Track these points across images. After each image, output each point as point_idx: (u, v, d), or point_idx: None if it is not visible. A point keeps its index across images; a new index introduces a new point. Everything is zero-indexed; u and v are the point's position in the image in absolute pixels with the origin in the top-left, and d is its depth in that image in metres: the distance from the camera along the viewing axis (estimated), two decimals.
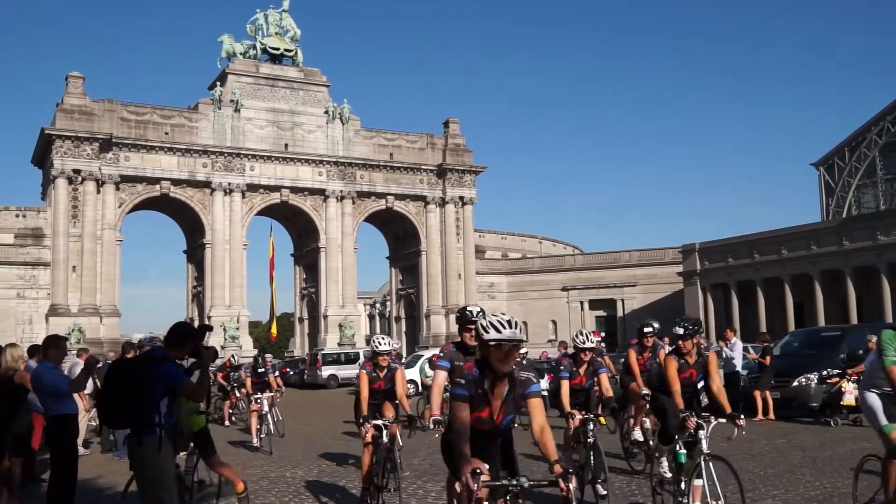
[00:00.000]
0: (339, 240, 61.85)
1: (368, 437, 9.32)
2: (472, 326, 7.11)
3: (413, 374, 28.90)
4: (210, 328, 9.68)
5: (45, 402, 9.23)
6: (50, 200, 54.35)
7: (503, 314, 4.97)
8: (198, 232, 60.04)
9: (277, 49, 62.74)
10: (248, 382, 18.05)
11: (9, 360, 9.35)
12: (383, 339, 9.98)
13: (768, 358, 19.04)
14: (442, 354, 7.96)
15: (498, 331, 4.83)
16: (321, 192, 61.42)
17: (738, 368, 19.82)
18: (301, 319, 68.64)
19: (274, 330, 64.21)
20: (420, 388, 27.63)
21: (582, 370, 10.01)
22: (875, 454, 8.47)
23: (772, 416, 18.48)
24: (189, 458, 9.35)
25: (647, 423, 12.00)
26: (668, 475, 8.49)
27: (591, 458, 9.20)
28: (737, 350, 20.00)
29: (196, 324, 39.11)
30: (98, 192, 53.70)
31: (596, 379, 10.09)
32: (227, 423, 22.40)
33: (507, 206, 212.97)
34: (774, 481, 10.73)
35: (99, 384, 13.44)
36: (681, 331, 8.18)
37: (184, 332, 6.61)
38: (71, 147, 52.50)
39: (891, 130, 67.09)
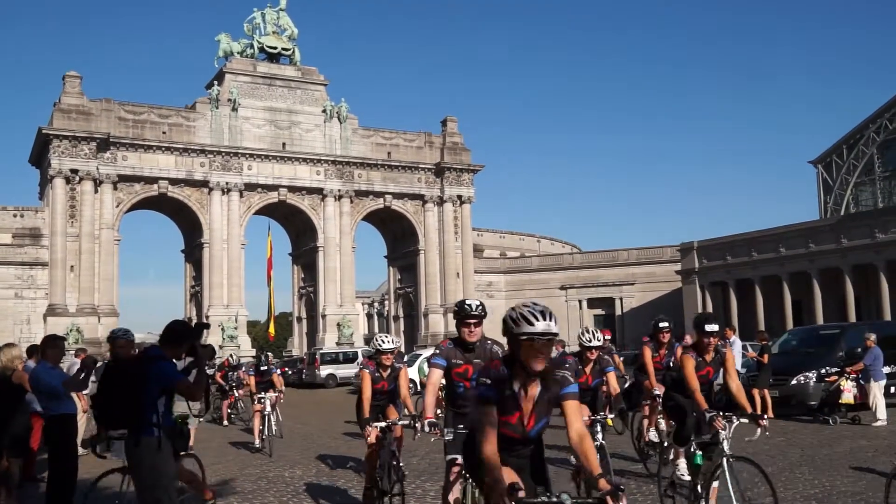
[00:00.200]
0: (337, 239, 61.81)
1: (373, 439, 9.08)
2: (472, 321, 6.95)
3: (412, 373, 28.89)
4: (207, 326, 9.59)
5: (44, 402, 9.21)
6: (47, 200, 54.27)
7: (535, 303, 4.33)
8: (196, 231, 59.97)
9: (275, 48, 62.65)
10: (252, 381, 17.58)
11: (6, 361, 9.33)
12: (386, 337, 9.65)
13: (767, 356, 19.04)
14: (438, 351, 7.36)
15: (530, 323, 4.21)
16: (319, 192, 61.37)
17: (738, 367, 19.81)
18: (299, 319, 68.59)
19: (272, 329, 64.15)
20: (419, 388, 27.63)
21: (588, 369, 9.61)
22: None
23: (770, 414, 18.49)
24: None
25: (663, 424, 11.55)
26: (686, 478, 8.17)
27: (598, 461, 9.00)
28: (736, 348, 19.99)
29: (194, 323, 38.95)
30: (96, 191, 53.62)
31: (604, 378, 9.72)
32: (225, 422, 22.39)
33: (505, 205, 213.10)
34: (773, 480, 10.71)
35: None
36: (716, 328, 7.93)
37: (180, 331, 6.57)
38: (68, 147, 52.42)
39: (889, 128, 67.09)
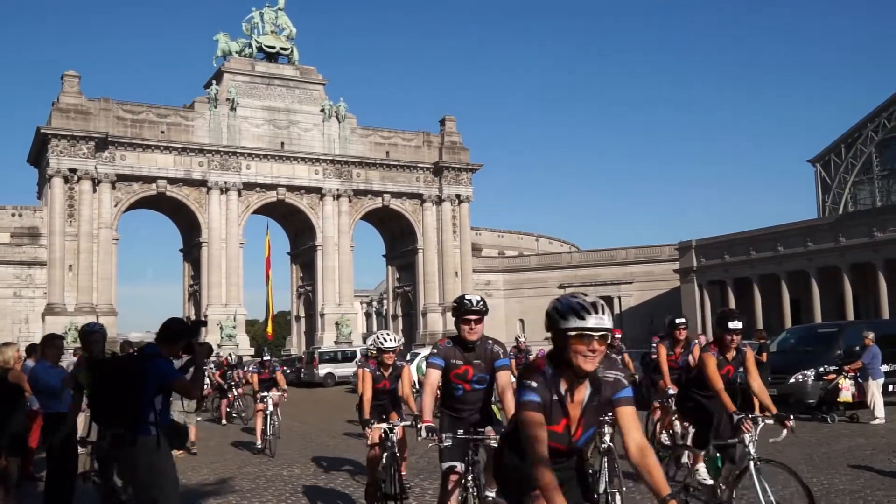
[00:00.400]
0: (335, 238, 61.79)
1: (376, 438, 8.89)
2: (472, 317, 6.44)
3: (412, 371, 28.83)
4: (204, 324, 9.60)
5: (43, 401, 9.21)
6: (46, 199, 54.22)
7: (585, 294, 3.81)
8: (194, 231, 59.94)
9: (273, 47, 62.61)
10: (255, 379, 16.84)
11: (3, 360, 9.33)
12: (388, 335, 9.26)
13: (765, 355, 19.03)
14: (436, 351, 6.76)
15: (580, 316, 3.65)
16: (318, 191, 61.35)
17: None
18: (298, 318, 68.58)
19: (269, 329, 64.17)
20: (417, 386, 27.53)
21: None
22: None
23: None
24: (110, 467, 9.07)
25: (677, 426, 11.06)
26: (709, 482, 7.92)
27: (605, 464, 8.47)
28: None
29: (191, 321, 38.97)
30: (94, 191, 53.57)
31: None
32: (224, 421, 22.37)
33: (503, 204, 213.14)
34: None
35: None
36: (740, 325, 7.58)
37: (176, 329, 6.54)
38: (67, 146, 52.38)
39: (887, 127, 67.14)
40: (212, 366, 25.14)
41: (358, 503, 9.98)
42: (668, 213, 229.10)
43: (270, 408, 15.57)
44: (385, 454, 8.55)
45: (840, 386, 17.51)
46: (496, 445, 4.36)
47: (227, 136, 58.22)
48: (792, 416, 7.25)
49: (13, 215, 54.42)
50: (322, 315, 61.42)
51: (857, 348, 18.04)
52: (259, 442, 15.48)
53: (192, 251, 62.11)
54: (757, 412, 9.16)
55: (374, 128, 65.35)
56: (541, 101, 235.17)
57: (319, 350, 47.58)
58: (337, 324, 60.31)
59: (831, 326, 24.58)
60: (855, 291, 49.94)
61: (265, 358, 17.46)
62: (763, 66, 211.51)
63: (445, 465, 6.49)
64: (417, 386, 18.71)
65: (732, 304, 55.59)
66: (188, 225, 61.50)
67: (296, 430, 19.92)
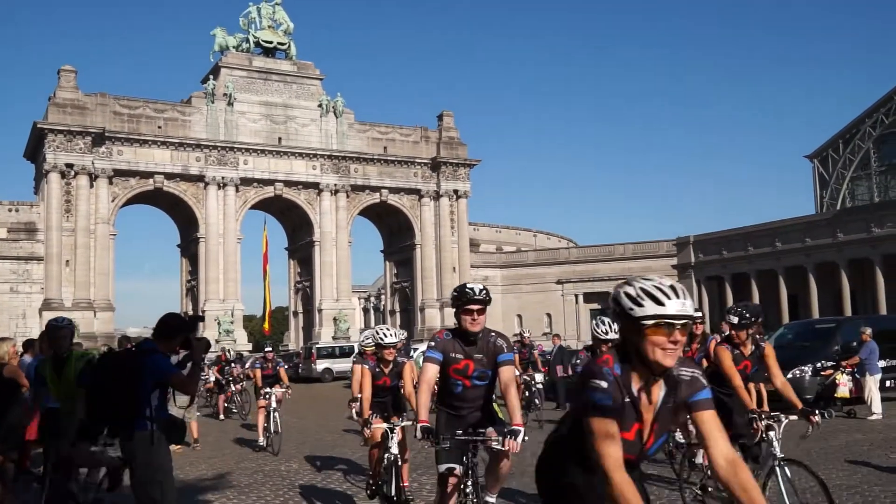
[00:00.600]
0: (333, 233, 61.78)
1: (377, 437, 8.59)
2: (475, 308, 5.90)
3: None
4: (202, 319, 9.55)
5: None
6: (43, 195, 54.16)
7: (659, 278, 3.26)
8: (192, 226, 59.91)
9: (270, 42, 62.53)
10: (258, 375, 16.01)
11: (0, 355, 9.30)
12: (388, 330, 8.80)
13: None
14: (434, 344, 6.15)
15: (658, 302, 3.10)
16: (315, 186, 61.32)
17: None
18: (295, 313, 68.59)
19: (267, 325, 64.19)
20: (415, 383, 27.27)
21: None
22: None
23: (766, 408, 18.49)
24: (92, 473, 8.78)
25: (690, 424, 10.70)
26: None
27: None
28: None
29: (188, 316, 39.01)
30: (91, 186, 53.51)
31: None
32: (221, 416, 22.36)
33: (501, 200, 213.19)
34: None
35: None
36: (735, 319, 7.25)
37: (173, 325, 6.51)
38: (63, 141, 52.30)
39: (885, 122, 67.16)
40: (208, 362, 25.09)
41: (355, 499, 9.97)
42: (666, 209, 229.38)
43: (273, 404, 14.99)
44: (386, 455, 8.19)
45: (837, 381, 17.51)
46: (540, 454, 3.68)
47: (224, 132, 58.15)
48: (817, 412, 7.05)
49: (10, 210, 54.36)
50: (320, 310, 61.44)
51: (855, 344, 18.05)
52: (261, 439, 15.07)
53: (189, 246, 62.09)
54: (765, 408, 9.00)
55: (372, 123, 65.31)
56: (539, 96, 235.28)
57: (317, 345, 47.58)
58: (335, 319, 60.32)
59: (829, 322, 24.60)
60: (852, 287, 50.02)
61: (267, 349, 16.83)
62: (761, 60, 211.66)
63: (443, 467, 6.05)
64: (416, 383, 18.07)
65: (730, 300, 55.67)
66: (185, 220, 61.46)
67: (294, 426, 19.89)
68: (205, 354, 7.29)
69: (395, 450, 8.01)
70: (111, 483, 8.06)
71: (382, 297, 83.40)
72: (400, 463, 8.09)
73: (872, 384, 17.17)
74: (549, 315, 68.54)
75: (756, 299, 54.03)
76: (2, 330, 43.82)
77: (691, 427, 10.30)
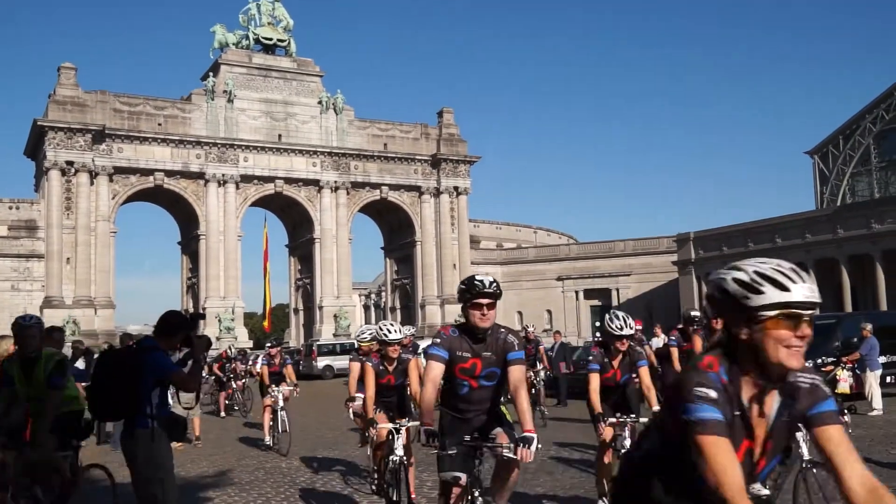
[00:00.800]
0: (333, 230, 61.79)
1: (382, 436, 8.17)
2: (485, 301, 5.38)
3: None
4: (203, 317, 9.49)
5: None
6: (43, 192, 54.17)
7: (776, 261, 2.62)
8: (192, 223, 59.93)
9: (270, 39, 62.50)
10: (265, 371, 15.35)
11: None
12: (392, 325, 8.37)
13: None
14: (439, 340, 5.61)
15: (782, 287, 2.51)
16: (315, 183, 61.32)
17: None
18: (296, 310, 68.62)
19: (266, 322, 64.26)
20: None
21: (616, 363, 7.88)
22: None
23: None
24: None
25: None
26: (765, 492, 7.54)
27: None
28: None
29: (189, 314, 39.11)
30: (91, 183, 53.52)
31: (632, 375, 8.02)
32: (222, 413, 22.39)
33: (501, 196, 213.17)
34: None
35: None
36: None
37: (174, 322, 6.51)
38: (64, 139, 52.30)
39: (885, 118, 67.05)
40: (210, 359, 25.10)
41: (357, 496, 9.97)
42: (667, 205, 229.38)
43: (280, 402, 14.41)
44: (391, 458, 7.79)
45: (838, 377, 17.48)
46: (619, 476, 3.16)
47: (224, 129, 58.15)
48: (846, 412, 6.51)
49: (10, 208, 54.39)
50: (320, 307, 61.48)
51: (855, 340, 18.06)
52: (267, 438, 14.68)
53: (190, 244, 62.12)
54: None
55: (372, 120, 65.30)
56: (539, 92, 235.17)
57: (318, 342, 47.65)
58: (335, 316, 60.36)
59: (829, 318, 24.57)
60: (853, 283, 50.00)
61: (270, 345, 16.33)
62: (761, 58, 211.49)
63: (448, 475, 5.51)
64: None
65: None
66: (186, 217, 61.47)
67: (295, 423, 19.83)
68: (206, 352, 7.26)
69: (400, 452, 7.66)
70: (62, 491, 7.77)
71: (383, 294, 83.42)
72: (406, 465, 7.71)
73: (873, 380, 17.18)
74: (549, 311, 68.56)
75: None
76: (3, 328, 43.77)
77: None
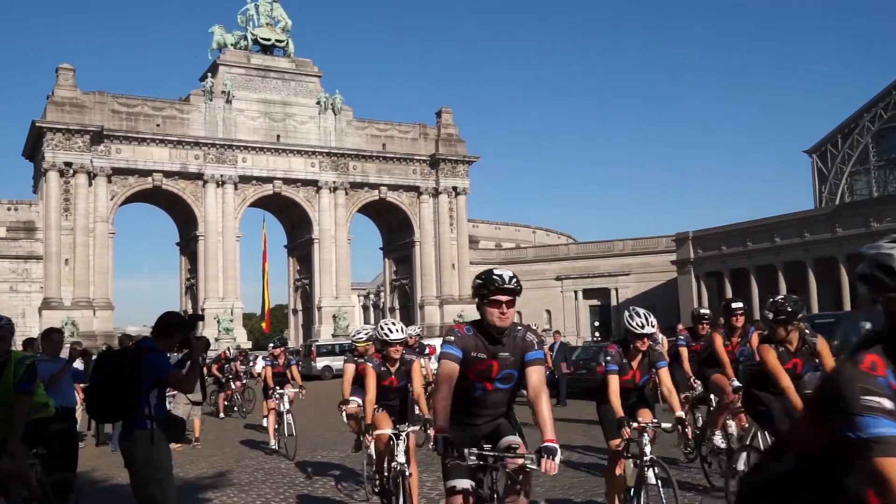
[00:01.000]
0: (332, 231, 61.77)
1: (381, 445, 7.78)
2: (504, 298, 4.79)
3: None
4: (201, 318, 9.44)
5: None
6: (41, 193, 54.14)
7: None
8: (190, 224, 59.90)
9: (268, 40, 62.49)
10: (268, 373, 14.80)
11: None
12: (394, 325, 7.86)
13: None
14: (452, 338, 4.94)
15: None
16: (314, 184, 61.30)
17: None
18: (295, 311, 68.60)
19: (264, 324, 64.26)
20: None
21: (635, 363, 7.25)
22: None
23: None
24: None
25: (732, 427, 9.57)
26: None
27: (647, 482, 6.54)
28: None
29: (188, 315, 39.01)
30: (90, 184, 53.50)
31: (652, 375, 7.43)
32: (221, 414, 22.37)
33: (500, 196, 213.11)
34: None
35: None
36: (770, 315, 6.45)
37: (172, 323, 6.49)
38: (62, 140, 52.27)
39: (883, 117, 67.06)
40: (209, 361, 25.09)
41: (355, 497, 9.95)
42: (665, 205, 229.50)
43: (286, 405, 13.90)
44: (392, 465, 7.38)
45: None
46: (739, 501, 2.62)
47: (222, 129, 58.13)
48: None
49: (9, 209, 54.34)
50: (319, 308, 61.47)
51: (855, 339, 18.05)
52: (272, 442, 14.30)
53: (188, 245, 62.10)
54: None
55: (371, 120, 65.29)
56: (537, 92, 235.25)
57: (317, 343, 47.66)
58: (334, 317, 60.36)
59: (828, 317, 24.57)
60: (852, 282, 49.96)
61: (273, 345, 15.70)
62: (759, 56, 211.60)
63: (456, 484, 4.85)
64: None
65: (729, 295, 55.65)
66: (184, 218, 61.45)
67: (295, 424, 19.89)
68: (204, 353, 7.22)
69: (401, 458, 7.25)
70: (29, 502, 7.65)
71: (382, 294, 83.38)
72: (408, 474, 7.24)
73: None
74: (548, 311, 68.55)
75: (755, 294, 54.04)
76: None
77: (732, 430, 9.22)
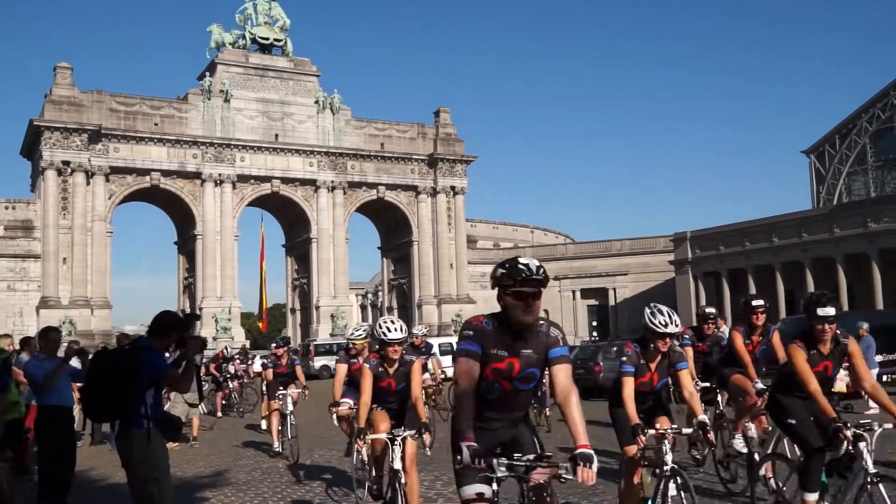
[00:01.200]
0: (330, 230, 61.74)
1: (377, 450, 7.43)
2: (530, 290, 4.31)
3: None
4: (198, 318, 9.42)
5: (34, 394, 9.15)
6: (39, 192, 54.08)
7: None
8: (188, 223, 59.86)
9: (267, 39, 62.45)
10: (270, 374, 14.44)
11: None
12: (393, 323, 7.38)
13: None
14: (471, 333, 4.45)
15: None
16: (312, 183, 61.28)
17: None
18: (293, 310, 68.56)
19: (261, 323, 64.23)
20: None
21: (654, 364, 6.72)
22: None
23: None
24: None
25: (752, 430, 9.20)
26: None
27: (669, 494, 6.01)
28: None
29: (184, 314, 38.93)
30: (88, 183, 53.44)
31: (671, 377, 6.91)
32: (219, 414, 22.37)
33: (498, 196, 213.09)
34: None
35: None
36: (832, 311, 6.05)
37: (168, 322, 6.48)
38: (60, 138, 52.21)
39: (881, 117, 67.17)
40: (202, 359, 25.06)
41: (353, 497, 9.94)
42: (663, 205, 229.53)
43: (290, 407, 13.30)
44: (388, 473, 7.06)
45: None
46: None
47: (220, 128, 58.09)
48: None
49: (6, 208, 54.23)
50: (317, 307, 61.44)
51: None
52: (276, 444, 13.97)
53: (186, 244, 62.06)
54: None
55: (369, 119, 65.28)
56: (535, 92, 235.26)
57: (315, 342, 47.72)
58: (332, 316, 60.32)
59: None
60: (849, 282, 50.07)
61: (275, 345, 15.10)
62: (757, 56, 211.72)
63: (473, 490, 4.34)
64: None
65: (727, 295, 55.75)
66: (182, 217, 61.40)
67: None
68: (201, 353, 7.22)
69: (397, 465, 6.90)
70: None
71: (380, 293, 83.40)
72: (403, 481, 6.91)
73: None
74: (546, 311, 68.42)
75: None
76: None
77: (752, 433, 8.90)
